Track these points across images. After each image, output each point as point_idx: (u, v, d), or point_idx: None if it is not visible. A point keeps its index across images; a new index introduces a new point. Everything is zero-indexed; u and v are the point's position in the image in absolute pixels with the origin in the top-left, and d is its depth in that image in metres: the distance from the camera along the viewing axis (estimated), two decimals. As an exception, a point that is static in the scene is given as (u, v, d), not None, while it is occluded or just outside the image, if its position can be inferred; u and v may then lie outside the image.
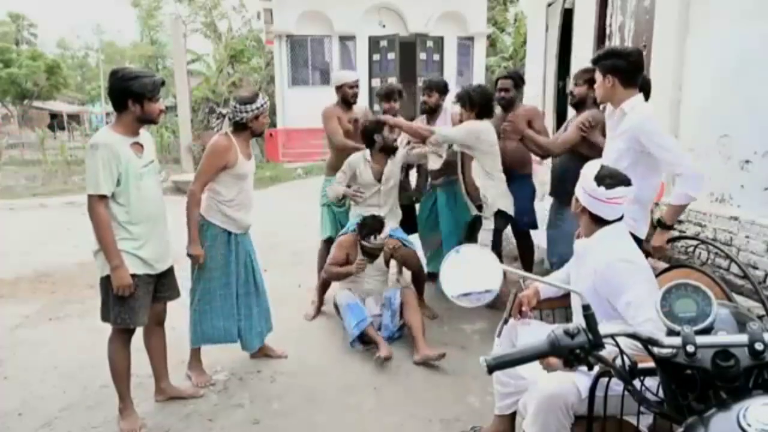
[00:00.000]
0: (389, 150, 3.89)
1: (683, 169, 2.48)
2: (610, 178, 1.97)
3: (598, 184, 1.97)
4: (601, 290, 1.93)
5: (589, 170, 2.03)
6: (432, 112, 4.19)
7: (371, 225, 3.59)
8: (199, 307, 3.13)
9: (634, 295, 1.84)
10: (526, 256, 4.35)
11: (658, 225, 2.62)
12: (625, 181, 2.00)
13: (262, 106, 3.00)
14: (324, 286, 4.13)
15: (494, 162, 3.66)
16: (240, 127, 3.03)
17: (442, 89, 4.17)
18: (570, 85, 3.66)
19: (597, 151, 3.12)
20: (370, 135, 3.86)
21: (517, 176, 3.90)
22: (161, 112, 2.68)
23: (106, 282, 2.60)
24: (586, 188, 2.02)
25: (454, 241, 4.04)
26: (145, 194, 2.62)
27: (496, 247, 3.76)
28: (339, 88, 4.25)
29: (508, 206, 3.70)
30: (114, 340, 2.72)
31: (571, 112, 3.94)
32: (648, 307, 1.77)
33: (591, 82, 3.28)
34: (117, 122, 2.59)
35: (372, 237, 3.57)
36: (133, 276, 2.57)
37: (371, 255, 3.69)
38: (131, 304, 2.62)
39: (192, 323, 3.15)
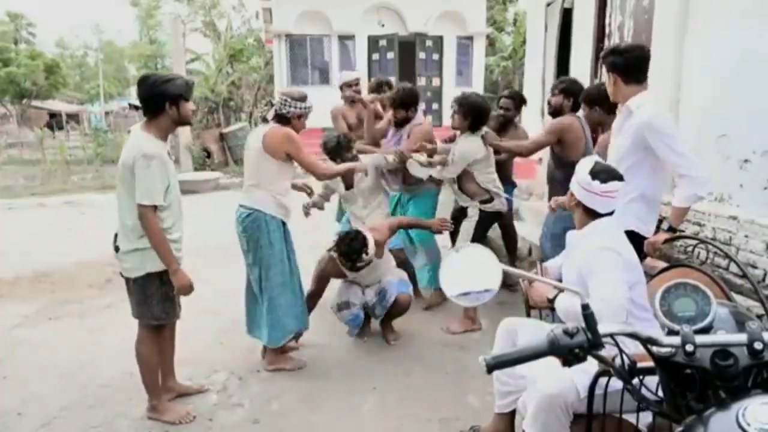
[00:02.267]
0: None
1: (690, 170, 2.46)
2: (605, 173, 2.03)
3: (593, 178, 2.03)
4: (584, 275, 1.98)
5: (584, 165, 2.09)
6: (403, 125, 4.14)
7: (355, 247, 3.22)
8: (279, 301, 3.18)
9: (599, 279, 1.90)
10: (509, 243, 4.62)
11: (667, 230, 2.60)
12: (618, 176, 2.06)
13: (309, 107, 3.16)
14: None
15: (486, 174, 3.82)
16: (283, 121, 3.12)
17: (415, 101, 4.13)
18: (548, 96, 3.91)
19: (572, 152, 3.43)
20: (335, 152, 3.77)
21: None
22: (194, 113, 2.72)
23: (144, 281, 2.61)
24: (580, 182, 2.07)
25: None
26: (176, 196, 2.69)
27: (478, 239, 4.00)
28: (341, 88, 4.47)
29: (500, 208, 3.90)
30: (146, 339, 2.74)
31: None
32: (603, 292, 1.83)
33: (565, 92, 3.64)
34: (153, 127, 2.57)
35: (362, 256, 3.23)
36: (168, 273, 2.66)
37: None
38: (173, 299, 2.71)
39: (271, 322, 3.19)
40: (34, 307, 4.44)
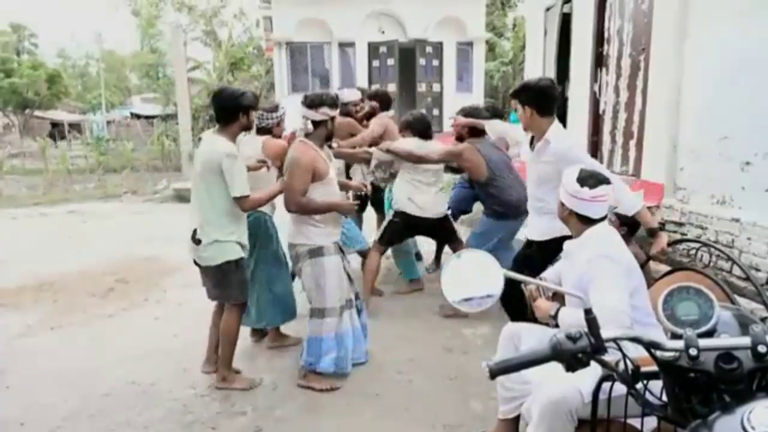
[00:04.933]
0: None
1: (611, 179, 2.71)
2: (592, 179, 2.08)
3: (581, 185, 2.07)
4: (584, 283, 1.98)
5: (570, 175, 2.13)
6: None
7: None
8: (282, 286, 3.52)
9: (599, 287, 1.92)
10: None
11: (650, 234, 2.68)
12: (605, 180, 2.10)
13: (283, 114, 3.64)
14: None
15: (415, 173, 4.15)
16: (266, 132, 3.54)
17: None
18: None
19: (473, 174, 3.96)
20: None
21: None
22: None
23: (224, 268, 2.97)
24: (569, 191, 2.11)
25: None
26: None
27: (389, 241, 4.33)
28: (344, 105, 4.63)
29: (411, 210, 4.13)
30: (235, 316, 3.10)
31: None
32: (604, 300, 1.84)
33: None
34: (225, 132, 2.96)
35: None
36: (241, 259, 3.03)
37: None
38: (246, 282, 3.11)
39: (271, 306, 3.49)
40: (37, 316, 4.44)
